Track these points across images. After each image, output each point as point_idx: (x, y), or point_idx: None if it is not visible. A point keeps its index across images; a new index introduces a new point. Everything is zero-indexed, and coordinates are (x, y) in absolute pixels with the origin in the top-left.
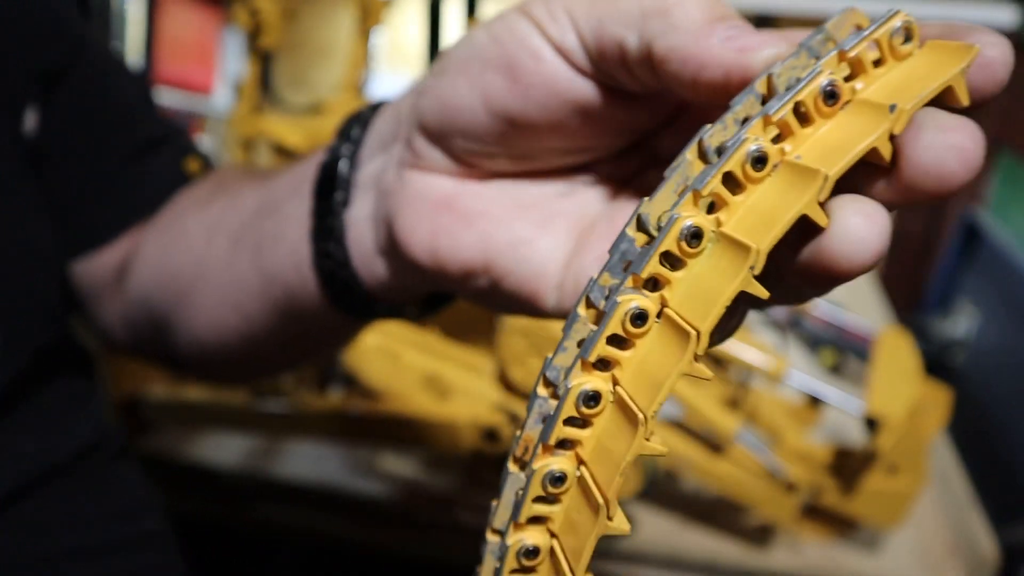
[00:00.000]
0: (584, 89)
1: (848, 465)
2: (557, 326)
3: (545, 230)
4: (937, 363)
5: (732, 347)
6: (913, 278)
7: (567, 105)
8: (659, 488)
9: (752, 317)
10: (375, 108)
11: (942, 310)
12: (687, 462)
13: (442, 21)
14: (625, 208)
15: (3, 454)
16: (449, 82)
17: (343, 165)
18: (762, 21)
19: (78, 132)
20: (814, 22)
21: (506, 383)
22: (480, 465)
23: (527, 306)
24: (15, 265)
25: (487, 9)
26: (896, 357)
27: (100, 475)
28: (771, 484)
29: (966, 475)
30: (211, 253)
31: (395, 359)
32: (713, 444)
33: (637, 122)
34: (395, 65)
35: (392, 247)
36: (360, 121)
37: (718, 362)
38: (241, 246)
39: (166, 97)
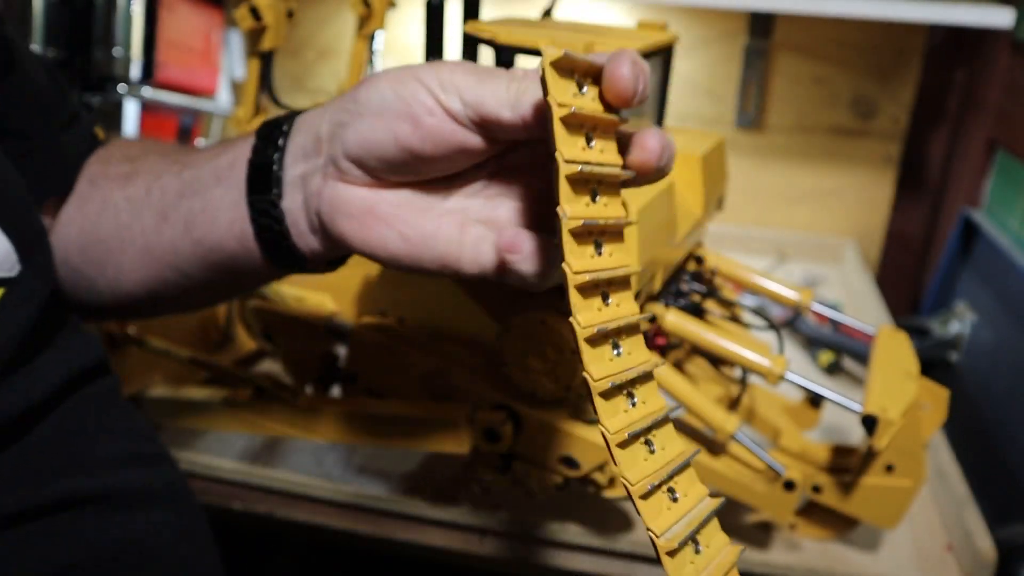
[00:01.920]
0: (463, 135)
1: (846, 464)
2: (557, 328)
3: (440, 223)
4: (935, 362)
5: (732, 347)
6: (910, 278)
7: (451, 144)
8: None
9: (751, 318)
10: (289, 117)
11: (939, 310)
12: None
13: (443, 23)
14: (486, 201)
15: (34, 374)
16: (369, 125)
17: (276, 168)
18: (762, 20)
19: (4, 116)
20: (814, 22)
21: (506, 383)
22: (480, 464)
23: (449, 273)
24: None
25: (487, 12)
26: (894, 357)
27: (114, 397)
28: (770, 483)
29: (964, 474)
30: (139, 225)
31: (396, 358)
32: (712, 443)
33: (495, 149)
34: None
35: (322, 230)
36: (280, 130)
37: (718, 361)
38: (169, 222)
39: (169, 99)
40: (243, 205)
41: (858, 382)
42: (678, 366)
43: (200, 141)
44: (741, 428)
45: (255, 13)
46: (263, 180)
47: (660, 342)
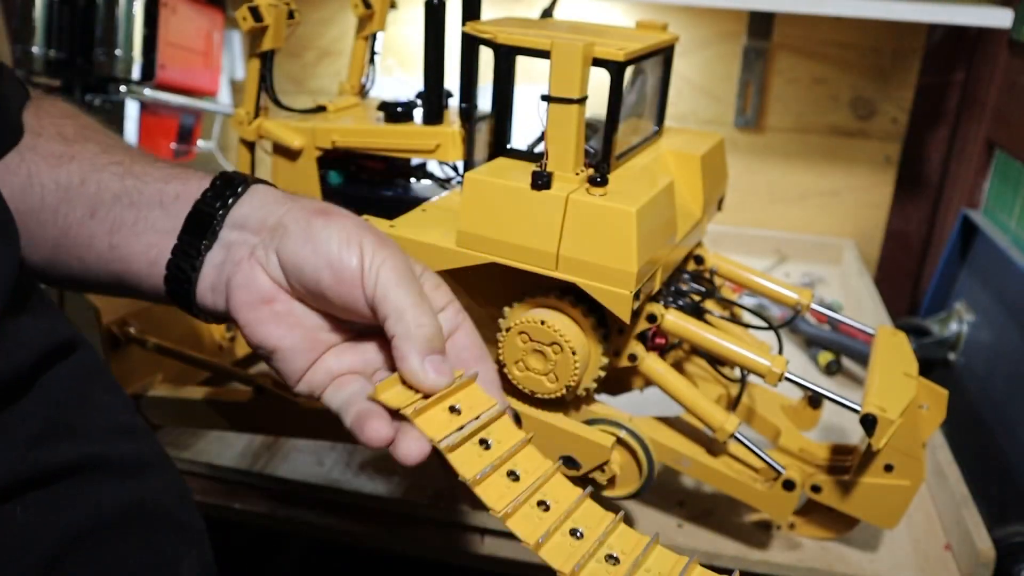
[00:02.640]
0: (364, 308)
1: (845, 464)
2: (557, 328)
3: (307, 348)
4: (934, 362)
5: (731, 347)
6: (909, 278)
7: (354, 309)
8: (658, 486)
9: (750, 318)
10: (245, 181)
11: (938, 310)
12: (686, 460)
13: (443, 23)
14: (346, 348)
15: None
16: (305, 253)
17: (217, 224)
18: (761, 20)
19: None
20: (813, 22)
21: (506, 383)
22: None
23: (282, 379)
24: None
25: (487, 12)
26: (893, 356)
27: (97, 369)
28: (769, 482)
29: (962, 474)
30: (65, 212)
31: None
32: (712, 443)
33: (374, 324)
34: (394, 66)
35: (222, 291)
36: (235, 190)
37: (718, 361)
38: (97, 219)
39: (169, 100)
40: (171, 238)
41: (857, 382)
42: (678, 366)
43: (201, 143)
44: (741, 428)
45: (256, 14)
46: (201, 227)
47: (660, 342)
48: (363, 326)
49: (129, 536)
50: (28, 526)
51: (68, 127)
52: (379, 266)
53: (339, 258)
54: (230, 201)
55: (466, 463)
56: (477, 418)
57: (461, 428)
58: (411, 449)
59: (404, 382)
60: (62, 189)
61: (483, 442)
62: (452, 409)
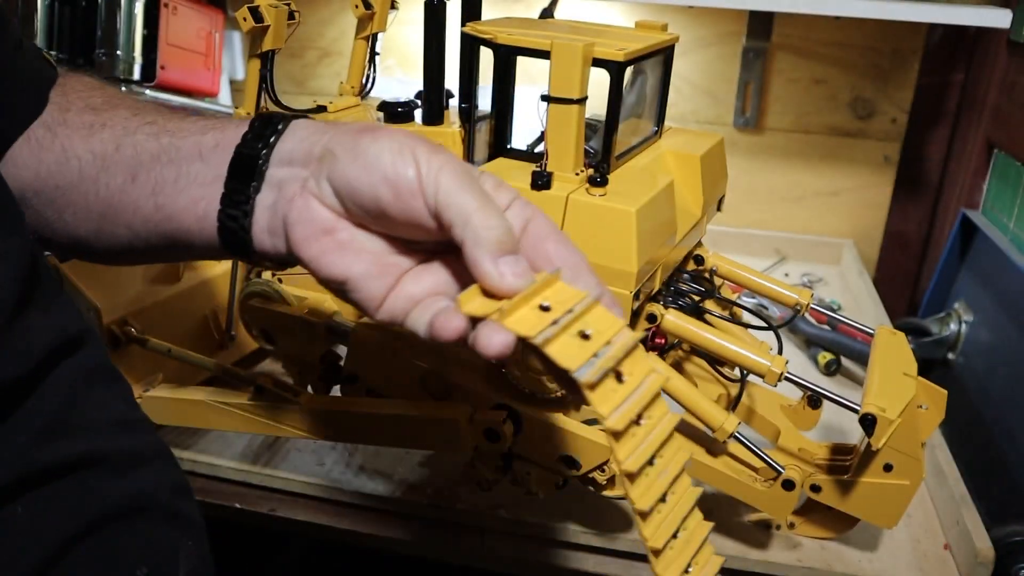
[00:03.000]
0: (428, 220)
1: (845, 463)
2: None
3: (380, 274)
4: (933, 362)
5: (731, 347)
6: (909, 278)
7: (416, 222)
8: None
9: (750, 318)
10: (285, 118)
11: (937, 310)
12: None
13: (443, 23)
14: (422, 271)
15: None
16: (357, 173)
17: (262, 163)
18: (761, 21)
19: None
20: (812, 22)
21: (506, 383)
22: (480, 464)
23: (363, 311)
24: None
25: (487, 12)
26: (892, 356)
27: (102, 363)
28: (769, 482)
29: (962, 473)
30: (105, 180)
31: (396, 358)
32: (712, 443)
33: (443, 239)
34: (394, 66)
35: (280, 232)
36: (275, 128)
37: (717, 361)
38: (138, 183)
39: (170, 100)
40: (217, 187)
41: (857, 382)
42: (677, 366)
43: None
44: (740, 427)
45: (256, 14)
46: (246, 171)
47: (660, 342)
48: (432, 244)
49: (127, 531)
50: (30, 525)
51: (96, 98)
52: (436, 172)
53: (394, 171)
54: (272, 139)
55: (568, 355)
56: (570, 311)
57: (555, 323)
58: (492, 339)
59: (484, 292)
60: (98, 158)
61: (583, 334)
62: (542, 307)
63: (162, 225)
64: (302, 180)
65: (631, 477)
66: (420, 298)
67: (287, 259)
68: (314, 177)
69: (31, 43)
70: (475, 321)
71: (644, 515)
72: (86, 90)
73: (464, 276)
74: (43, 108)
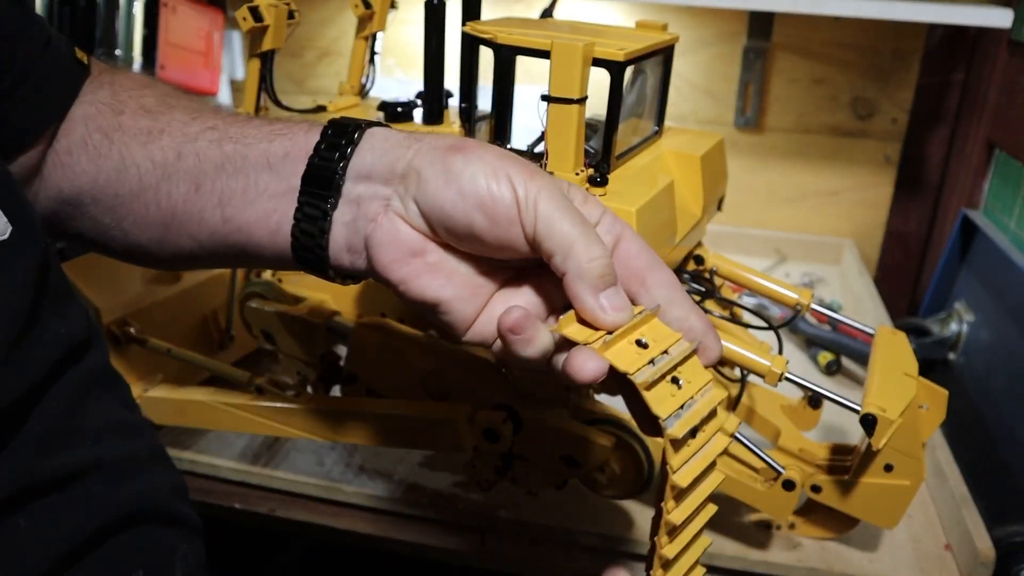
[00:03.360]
0: (522, 244)
1: (845, 464)
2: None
3: (471, 295)
4: (933, 362)
5: (731, 347)
6: (909, 278)
7: (512, 247)
8: (658, 486)
9: (750, 318)
10: (360, 127)
11: (938, 310)
12: None
13: (443, 23)
14: (511, 293)
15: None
16: (451, 197)
17: (339, 179)
18: (761, 21)
19: None
20: (813, 22)
21: (506, 383)
22: (480, 464)
23: (449, 335)
24: None
25: (487, 12)
26: (893, 356)
27: (105, 369)
28: (769, 482)
29: (962, 473)
30: (167, 190)
31: (396, 358)
32: None
33: (533, 257)
34: (394, 66)
35: (360, 251)
36: (351, 138)
37: (718, 362)
38: (203, 193)
39: None
40: (289, 199)
41: (857, 382)
42: None
43: None
44: (741, 428)
45: (255, 14)
46: (321, 185)
47: None
48: (519, 262)
49: (125, 537)
50: (32, 538)
51: (149, 98)
52: (535, 198)
53: (490, 196)
54: (348, 151)
55: (662, 402)
56: (666, 352)
57: (652, 362)
58: (587, 365)
59: (581, 320)
60: (159, 167)
61: (675, 380)
62: (639, 343)
63: (231, 237)
64: (384, 199)
65: (679, 496)
66: None
67: (365, 276)
68: (399, 196)
69: (63, 39)
70: (565, 342)
71: (673, 531)
72: (137, 88)
73: (552, 297)
74: (68, 108)
